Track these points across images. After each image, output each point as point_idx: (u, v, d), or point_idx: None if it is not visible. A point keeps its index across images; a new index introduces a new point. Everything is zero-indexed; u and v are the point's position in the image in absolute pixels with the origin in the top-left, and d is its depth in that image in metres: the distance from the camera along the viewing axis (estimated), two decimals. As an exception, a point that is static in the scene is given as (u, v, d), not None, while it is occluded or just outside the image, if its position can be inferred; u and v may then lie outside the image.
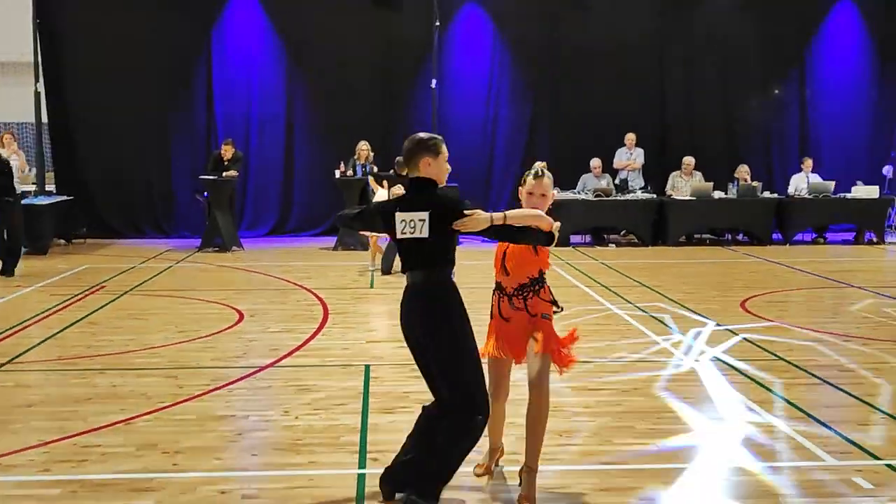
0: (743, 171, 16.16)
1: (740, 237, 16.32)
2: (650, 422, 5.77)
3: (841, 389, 6.51)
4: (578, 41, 16.98)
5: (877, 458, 5.08)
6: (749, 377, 6.81)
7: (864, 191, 16.00)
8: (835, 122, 17.77)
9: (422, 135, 4.45)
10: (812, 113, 17.96)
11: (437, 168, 4.37)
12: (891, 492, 4.58)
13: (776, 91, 18.04)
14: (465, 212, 4.23)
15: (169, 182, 16.83)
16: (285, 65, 17.10)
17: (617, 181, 16.39)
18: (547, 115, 17.34)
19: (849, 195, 16.01)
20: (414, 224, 4.26)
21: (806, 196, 15.98)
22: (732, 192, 15.92)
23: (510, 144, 17.47)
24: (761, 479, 4.77)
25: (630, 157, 16.49)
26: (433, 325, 4.28)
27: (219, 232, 14.79)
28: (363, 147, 15.36)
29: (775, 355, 7.50)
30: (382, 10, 16.80)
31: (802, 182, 16.26)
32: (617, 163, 16.52)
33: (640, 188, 16.21)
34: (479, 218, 4.21)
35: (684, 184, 16.05)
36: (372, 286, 11.45)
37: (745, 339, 8.12)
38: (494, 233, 4.28)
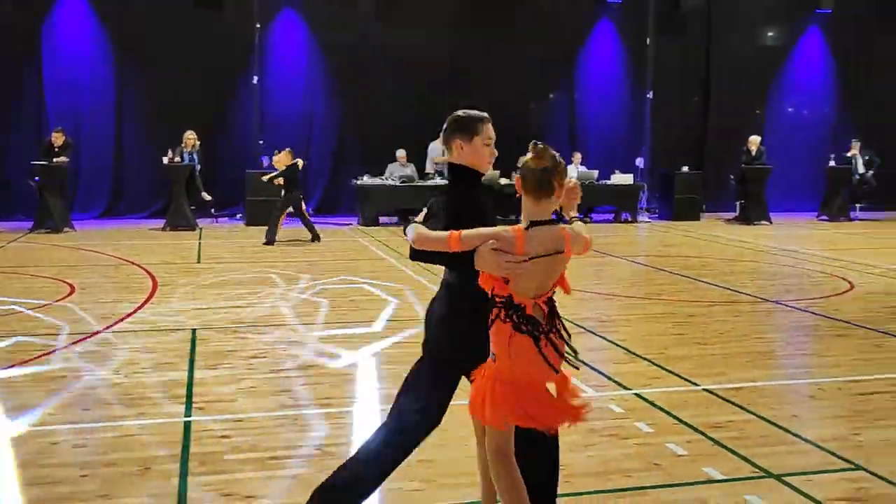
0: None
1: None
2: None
3: (600, 336, 6.90)
4: (383, 47, 16.98)
5: (627, 388, 5.44)
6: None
7: (621, 178, 16.96)
8: (598, 121, 18.67)
9: (460, 112, 3.35)
10: (579, 114, 18.77)
11: (472, 153, 3.25)
12: (638, 414, 4.91)
13: (550, 95, 18.75)
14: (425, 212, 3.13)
15: (2, 168, 15.62)
16: (114, 58, 16.23)
17: (431, 168, 16.66)
18: (358, 111, 17.26)
19: (609, 182, 16.92)
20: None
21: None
22: (516, 179, 16.45)
23: (325, 137, 17.34)
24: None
25: (442, 152, 16.73)
26: (428, 328, 3.26)
27: (50, 214, 13.85)
28: (189, 136, 14.91)
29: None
30: (207, 11, 16.20)
31: (572, 172, 17.01)
32: (436, 158, 16.76)
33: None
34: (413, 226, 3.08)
35: (476, 172, 16.44)
36: (199, 261, 11.08)
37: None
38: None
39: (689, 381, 5.59)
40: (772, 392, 5.47)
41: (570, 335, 3.02)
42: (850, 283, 9.66)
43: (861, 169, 17.76)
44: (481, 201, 3.16)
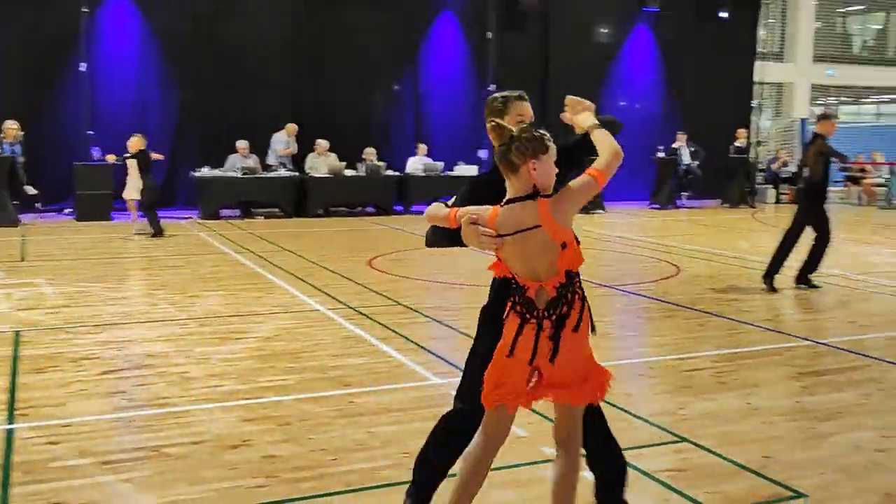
0: (370, 153, 16.71)
1: (369, 208, 16.89)
2: (288, 361, 5.82)
3: (445, 324, 7.00)
4: (221, 34, 16.47)
5: (470, 374, 5.53)
6: (372, 319, 7.09)
7: (465, 169, 17.25)
8: (442, 113, 18.83)
9: (497, 93, 3.22)
10: (424, 106, 18.89)
11: (499, 135, 2.95)
12: (480, 399, 5.01)
13: (395, 87, 18.77)
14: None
15: None
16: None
17: (275, 160, 16.29)
18: (195, 100, 16.65)
19: (452, 173, 17.19)
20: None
21: (421, 174, 16.92)
22: (362, 171, 16.44)
23: (161, 127, 16.58)
24: (381, 399, 5.00)
25: (287, 144, 16.52)
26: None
27: None
28: (10, 126, 13.96)
29: (394, 301, 7.88)
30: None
31: (418, 163, 17.16)
32: (281, 150, 16.40)
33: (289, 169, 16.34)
34: None
35: (321, 163, 16.28)
36: (23, 259, 10.38)
37: (369, 289, 8.44)
38: None
39: (530, 365, 5.75)
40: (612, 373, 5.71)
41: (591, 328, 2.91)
42: (677, 267, 10.24)
43: (687, 160, 18.87)
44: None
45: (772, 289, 8.61)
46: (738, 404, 5.00)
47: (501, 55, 18.41)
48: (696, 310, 7.71)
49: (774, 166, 20.70)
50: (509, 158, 2.82)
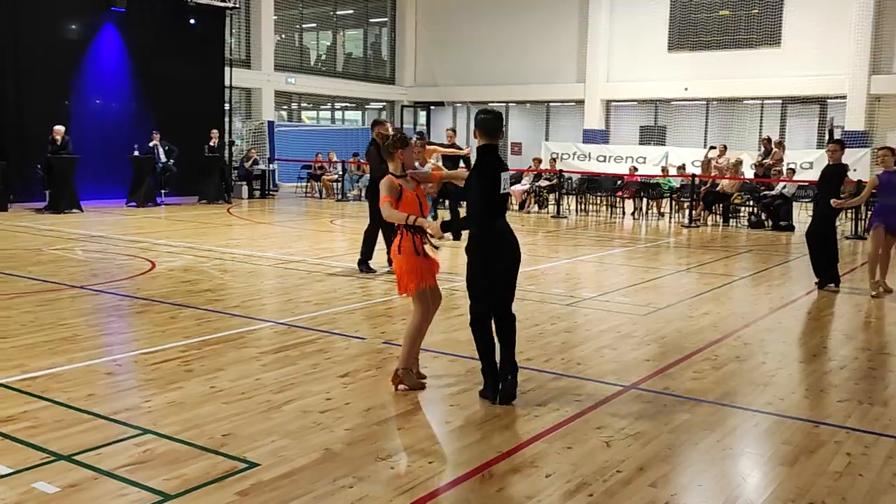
0: None
1: None
2: None
3: None
4: None
5: None
6: None
7: None
8: None
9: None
10: None
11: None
12: (-84, 425, 4.27)
13: None
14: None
15: None
16: None
17: None
18: None
19: None
20: (506, 181, 4.82)
21: None
22: None
23: None
24: None
25: None
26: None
27: None
28: None
29: None
30: None
31: None
32: None
33: None
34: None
35: None
36: None
37: None
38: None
39: (-18, 379, 5.08)
40: (71, 376, 5.30)
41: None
42: (152, 263, 9.96)
43: (163, 158, 18.48)
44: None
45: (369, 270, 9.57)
46: (202, 389, 5.03)
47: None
48: (168, 303, 7.58)
49: (247, 164, 21.37)
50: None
